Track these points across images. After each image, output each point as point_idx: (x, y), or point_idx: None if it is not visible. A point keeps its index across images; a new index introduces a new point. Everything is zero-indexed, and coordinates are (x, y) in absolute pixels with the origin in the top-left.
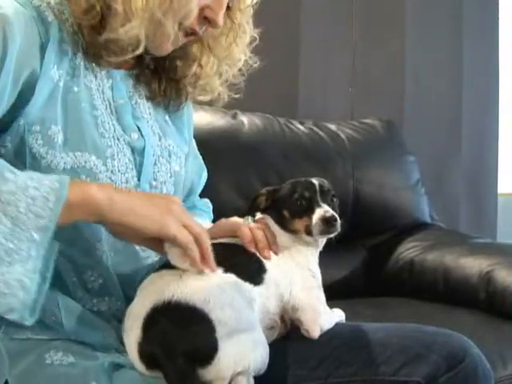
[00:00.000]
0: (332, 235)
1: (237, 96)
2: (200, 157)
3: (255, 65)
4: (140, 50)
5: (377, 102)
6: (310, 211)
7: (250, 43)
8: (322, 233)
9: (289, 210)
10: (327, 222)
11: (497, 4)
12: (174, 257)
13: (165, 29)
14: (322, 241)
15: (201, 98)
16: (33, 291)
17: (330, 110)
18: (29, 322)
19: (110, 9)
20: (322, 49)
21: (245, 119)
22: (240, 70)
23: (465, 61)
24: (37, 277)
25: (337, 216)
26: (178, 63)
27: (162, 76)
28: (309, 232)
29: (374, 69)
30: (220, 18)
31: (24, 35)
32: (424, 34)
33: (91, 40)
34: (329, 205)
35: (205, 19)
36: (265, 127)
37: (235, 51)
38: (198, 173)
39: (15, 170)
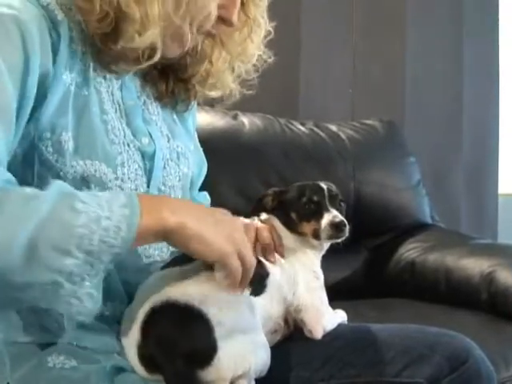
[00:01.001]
0: (339, 240)
1: (250, 92)
2: (201, 149)
3: (269, 60)
4: (156, 58)
5: (377, 103)
6: (318, 215)
7: (265, 37)
8: (330, 237)
9: (297, 213)
10: (336, 227)
11: (497, 5)
12: (219, 276)
13: (184, 34)
14: (327, 244)
15: (212, 93)
16: (99, 299)
17: (330, 111)
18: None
19: (125, 16)
20: (322, 50)
21: (245, 120)
22: (254, 65)
23: (465, 61)
24: (101, 285)
25: (345, 221)
26: (189, 61)
27: (169, 76)
28: (316, 236)
29: (375, 69)
30: (235, 17)
31: (40, 37)
32: (424, 35)
33: (104, 48)
34: (337, 209)
35: (219, 19)
36: (265, 128)
37: (250, 47)
38: (198, 166)
39: (84, 198)
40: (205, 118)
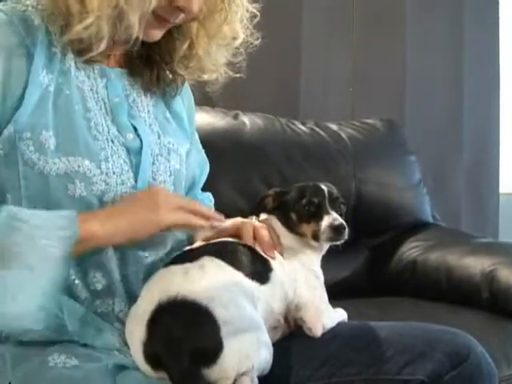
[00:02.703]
0: (338, 242)
1: (237, 75)
2: (203, 151)
3: (256, 42)
4: (103, 46)
5: (378, 102)
6: (318, 217)
7: (251, 19)
8: (330, 240)
9: (297, 214)
10: (335, 229)
11: (497, 3)
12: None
13: (128, 22)
14: (327, 245)
15: (204, 76)
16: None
17: (331, 110)
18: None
19: (68, 10)
20: (322, 49)
21: (246, 119)
22: (237, 48)
23: (465, 60)
24: (42, 300)
25: (345, 224)
26: (177, 44)
27: (153, 64)
28: (315, 237)
29: (375, 68)
30: (194, 6)
31: (5, 46)
32: (425, 34)
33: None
34: (336, 211)
35: (179, 9)
36: (266, 127)
37: (225, 29)
38: (200, 166)
39: (23, 216)
40: (205, 118)
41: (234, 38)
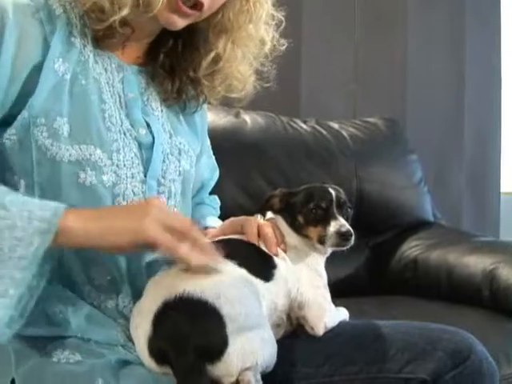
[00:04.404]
0: (344, 248)
1: (267, 85)
2: (213, 157)
3: (282, 48)
4: (125, 12)
5: (379, 101)
6: (325, 222)
7: (277, 26)
8: (336, 245)
9: (303, 217)
10: (342, 235)
11: (498, 2)
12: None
13: None
14: (331, 249)
15: (233, 95)
16: (2, 324)
17: (332, 109)
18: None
19: None
20: (324, 47)
21: (247, 118)
22: (266, 57)
23: (467, 59)
24: (9, 312)
25: (352, 231)
26: (202, 56)
27: (175, 76)
28: (321, 242)
29: (377, 67)
30: None
31: (23, 28)
32: (426, 33)
33: (94, 25)
34: (343, 216)
35: None
36: (267, 126)
37: (250, 28)
38: (210, 171)
39: (8, 205)
40: (207, 116)
41: (262, 43)
